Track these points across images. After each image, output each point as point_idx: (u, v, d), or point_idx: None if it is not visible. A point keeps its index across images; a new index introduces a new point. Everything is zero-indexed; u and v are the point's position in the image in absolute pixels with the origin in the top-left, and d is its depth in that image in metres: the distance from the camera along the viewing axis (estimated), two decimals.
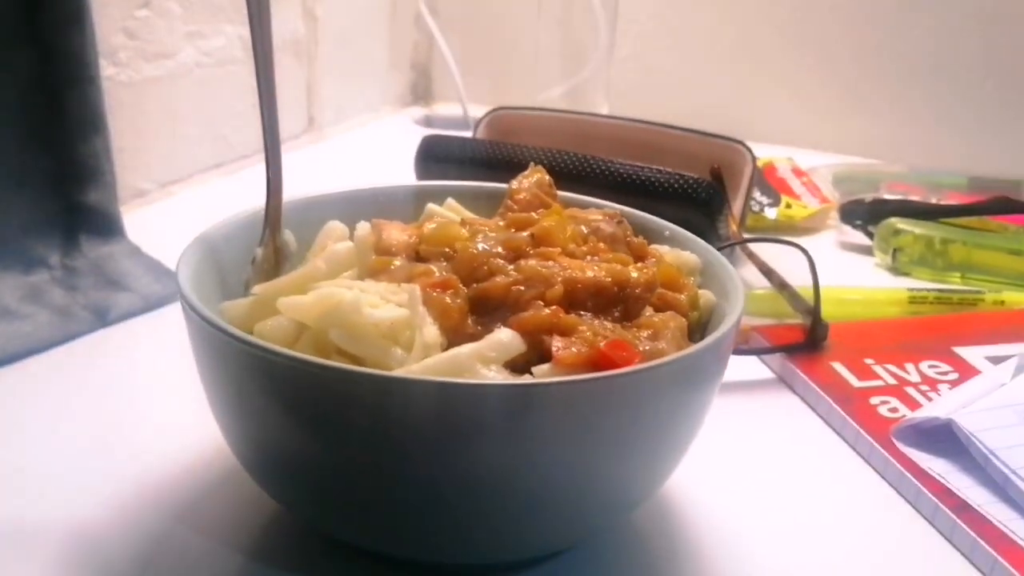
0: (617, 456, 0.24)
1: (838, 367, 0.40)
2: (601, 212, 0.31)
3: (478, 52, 0.79)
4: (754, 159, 0.53)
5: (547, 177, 0.32)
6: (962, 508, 0.31)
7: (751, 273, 0.46)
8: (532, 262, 0.26)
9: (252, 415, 0.25)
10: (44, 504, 0.30)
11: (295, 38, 0.69)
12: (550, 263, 0.26)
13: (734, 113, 0.78)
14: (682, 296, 0.28)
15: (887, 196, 0.60)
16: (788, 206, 0.60)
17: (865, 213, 0.57)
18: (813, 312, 0.41)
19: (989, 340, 0.43)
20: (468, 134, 0.59)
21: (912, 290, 0.48)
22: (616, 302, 0.26)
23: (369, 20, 0.79)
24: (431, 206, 0.33)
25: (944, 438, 0.34)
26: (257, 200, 0.31)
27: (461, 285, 0.26)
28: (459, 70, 0.77)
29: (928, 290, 0.48)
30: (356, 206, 0.33)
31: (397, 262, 0.28)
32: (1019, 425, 0.34)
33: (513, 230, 0.28)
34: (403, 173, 0.55)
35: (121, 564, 0.27)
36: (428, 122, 0.81)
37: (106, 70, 0.51)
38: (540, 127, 0.58)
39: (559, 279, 0.26)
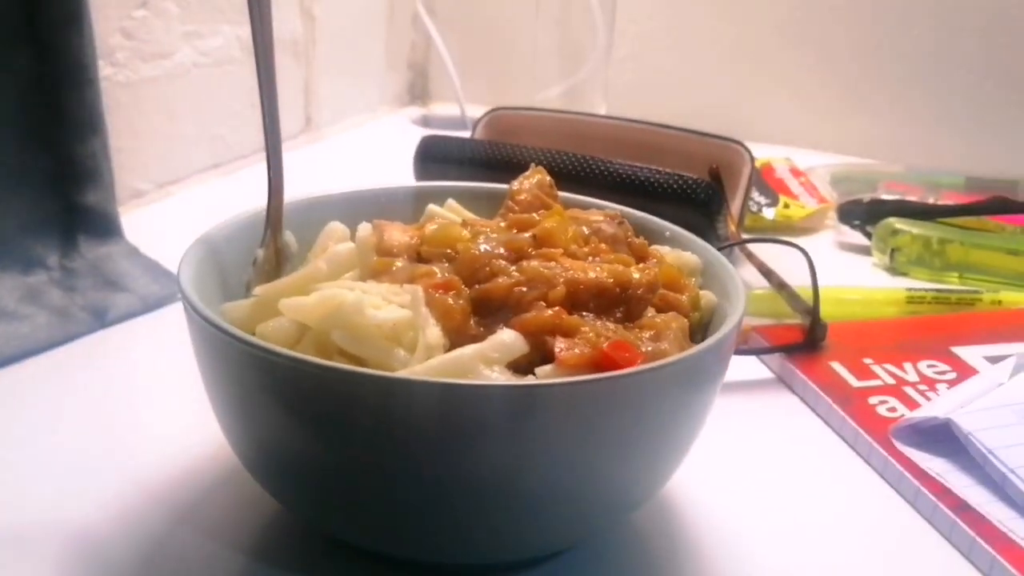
0: (619, 456, 0.24)
1: (837, 367, 0.40)
2: (602, 213, 0.31)
3: (476, 52, 0.79)
4: (752, 159, 0.54)
5: (548, 178, 0.32)
6: (961, 507, 0.31)
7: (750, 273, 0.46)
8: (534, 263, 0.26)
9: (254, 416, 0.25)
10: (44, 506, 0.30)
11: (293, 38, 0.69)
12: (552, 264, 0.26)
13: (732, 113, 0.78)
14: (683, 297, 0.28)
15: (885, 196, 0.60)
16: (786, 206, 0.60)
17: (863, 213, 0.57)
18: (812, 312, 0.41)
19: (987, 340, 0.44)
20: (466, 134, 0.59)
21: (910, 290, 0.48)
22: (618, 303, 0.26)
23: (367, 20, 0.79)
24: (432, 207, 0.33)
25: (943, 437, 0.34)
26: (256, 201, 0.31)
27: (463, 286, 0.26)
28: (457, 70, 0.77)
29: (926, 290, 0.48)
30: (356, 207, 0.33)
31: (399, 263, 0.28)
32: (1017, 424, 0.34)
33: (514, 231, 0.28)
34: (401, 173, 0.55)
35: (122, 565, 0.27)
36: (425, 122, 0.81)
37: (103, 70, 0.51)
38: (539, 127, 0.58)
39: (561, 280, 0.26)
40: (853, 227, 0.58)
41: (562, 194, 0.33)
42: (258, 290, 0.28)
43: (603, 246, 0.29)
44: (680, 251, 0.31)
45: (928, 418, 0.35)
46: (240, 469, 0.28)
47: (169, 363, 0.38)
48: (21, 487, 0.31)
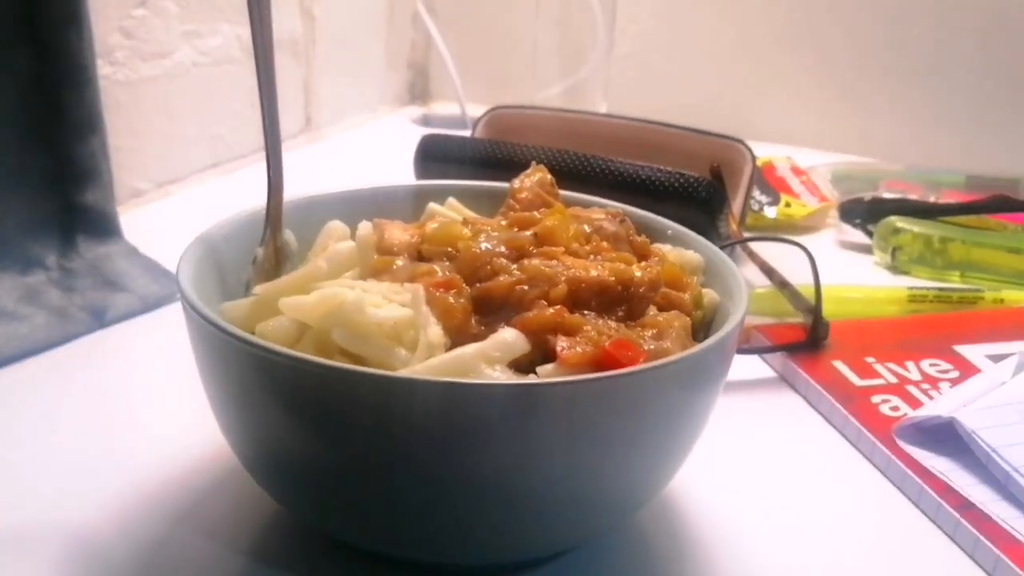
0: (622, 456, 0.24)
1: (839, 366, 0.40)
2: (603, 211, 0.31)
3: (476, 51, 0.79)
4: (754, 158, 0.53)
5: (549, 176, 0.32)
6: (964, 506, 0.31)
7: (751, 272, 0.46)
8: (535, 261, 0.26)
9: (254, 416, 0.25)
10: (43, 506, 0.30)
11: (293, 37, 0.69)
12: (553, 262, 0.26)
13: (732, 112, 0.78)
14: (685, 295, 0.28)
15: (886, 195, 0.60)
16: (788, 205, 0.60)
17: (864, 212, 0.57)
18: (814, 311, 0.41)
19: (989, 338, 0.44)
20: (466, 133, 0.59)
21: (912, 289, 0.48)
22: (620, 301, 0.26)
23: (367, 20, 0.78)
24: (432, 205, 0.33)
25: (946, 436, 0.34)
26: (255, 200, 0.31)
27: (464, 285, 0.26)
28: (457, 69, 0.77)
29: (928, 289, 0.48)
30: (356, 206, 0.33)
31: (399, 262, 0.28)
32: (1020, 423, 0.34)
33: (516, 229, 0.28)
34: (401, 172, 0.54)
35: (121, 566, 0.27)
36: (426, 121, 0.81)
37: (102, 69, 0.51)
38: (539, 126, 0.58)
39: (563, 278, 0.26)
40: (854, 226, 0.58)
41: (563, 192, 0.33)
42: (258, 289, 0.28)
43: (605, 244, 0.28)
44: (682, 249, 0.31)
45: (931, 417, 0.34)
46: (239, 469, 0.28)
47: (168, 363, 0.38)
48: (20, 487, 0.31)
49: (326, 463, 0.24)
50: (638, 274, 0.26)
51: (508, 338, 0.24)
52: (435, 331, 0.25)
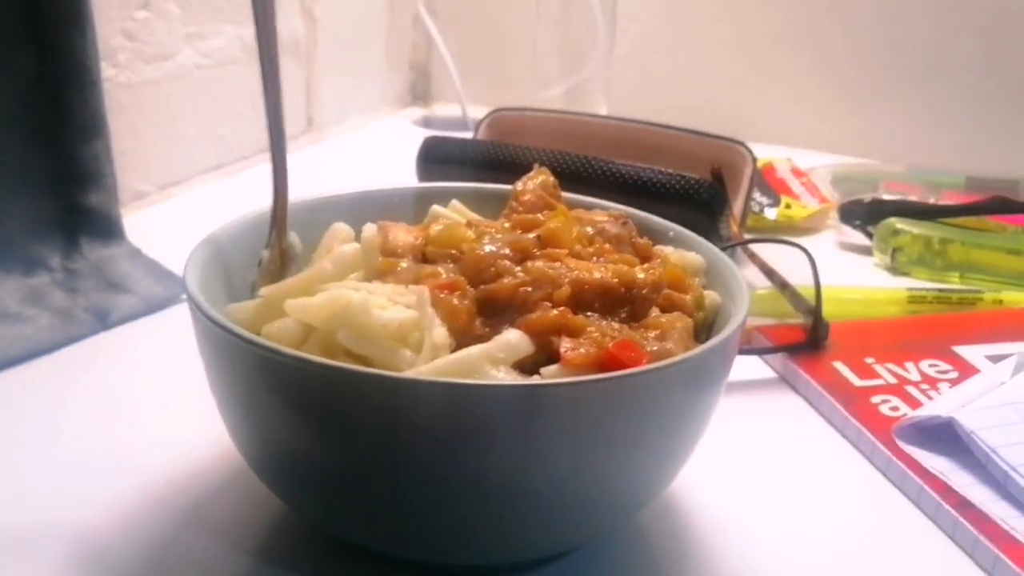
0: (625, 456, 0.24)
1: (839, 366, 0.40)
2: (606, 213, 0.31)
3: (477, 52, 0.79)
4: (754, 159, 0.54)
5: (551, 178, 0.32)
6: (964, 506, 0.31)
7: (752, 273, 0.46)
8: (539, 263, 0.26)
9: (261, 417, 0.25)
10: (47, 508, 0.30)
11: (294, 38, 0.69)
12: (557, 264, 0.26)
13: (732, 113, 0.78)
14: (688, 297, 0.28)
15: (886, 196, 0.61)
16: (788, 206, 0.60)
17: (864, 213, 0.58)
18: (814, 312, 0.41)
19: (988, 339, 0.44)
20: (467, 135, 0.59)
21: (911, 290, 0.49)
22: (623, 303, 0.26)
23: (368, 21, 0.79)
24: (436, 208, 0.33)
25: (945, 436, 0.34)
26: (258, 202, 0.31)
27: (468, 286, 0.26)
28: (458, 71, 0.77)
29: (927, 290, 0.49)
30: (360, 208, 0.33)
31: (404, 264, 0.28)
32: (1019, 423, 0.34)
33: (519, 231, 0.28)
34: (403, 174, 0.55)
35: (127, 567, 0.27)
36: (427, 123, 0.81)
37: (105, 71, 0.51)
38: (541, 128, 0.58)
39: (566, 280, 0.26)
40: (854, 227, 0.58)
41: (566, 195, 0.33)
42: (263, 291, 0.28)
43: (607, 246, 0.29)
44: (684, 251, 0.31)
45: (930, 417, 0.35)
46: (244, 470, 0.28)
47: (172, 364, 0.38)
48: (25, 488, 0.31)
49: (332, 464, 0.24)
50: (641, 276, 0.27)
51: (512, 339, 0.25)
52: (440, 332, 0.25)
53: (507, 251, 0.27)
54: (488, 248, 0.27)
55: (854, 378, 0.40)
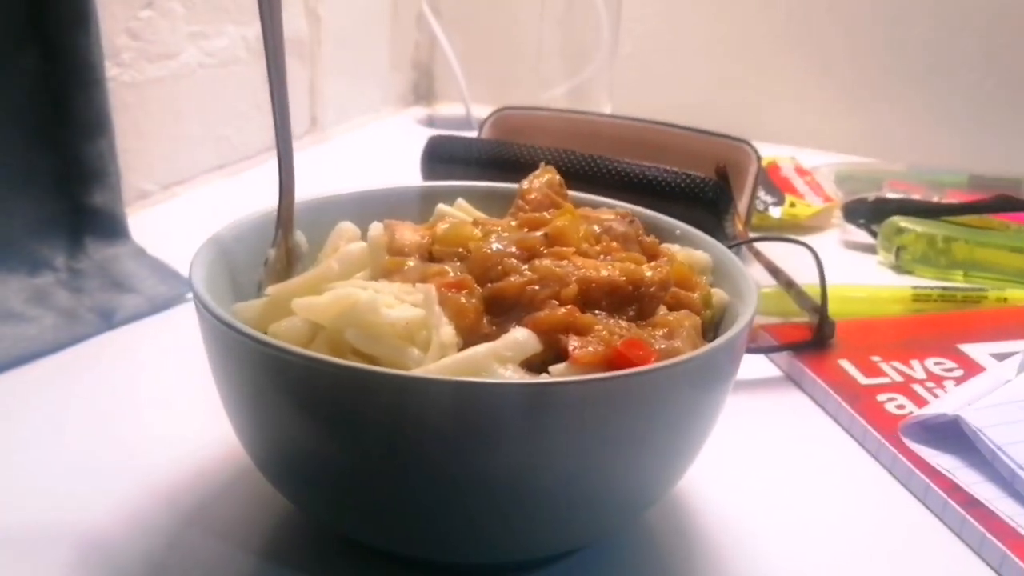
0: (633, 455, 0.24)
1: (845, 365, 0.40)
2: (613, 211, 0.31)
3: (480, 52, 0.79)
4: (759, 158, 0.54)
5: (558, 177, 0.32)
6: (971, 503, 0.31)
7: (757, 272, 0.46)
8: (546, 262, 0.26)
9: (268, 416, 0.25)
10: (52, 508, 0.30)
11: (298, 38, 0.69)
12: (564, 263, 0.26)
13: (736, 112, 0.78)
14: (695, 295, 0.28)
15: (890, 195, 0.61)
16: (792, 205, 0.60)
17: (868, 212, 0.58)
18: (820, 310, 0.41)
19: (993, 337, 0.44)
20: (471, 134, 0.59)
21: (916, 288, 0.49)
22: (630, 301, 0.26)
23: (371, 20, 0.79)
24: (442, 206, 0.33)
25: (951, 434, 0.34)
26: (262, 201, 0.31)
27: (476, 285, 0.26)
28: (461, 70, 0.77)
29: (932, 288, 0.49)
30: (366, 207, 0.33)
31: (410, 263, 0.28)
32: None
33: (526, 230, 0.28)
34: (407, 173, 0.55)
35: (132, 567, 0.27)
36: (430, 122, 0.81)
37: (109, 71, 0.51)
38: (545, 127, 0.58)
39: (573, 278, 0.26)
40: (858, 226, 0.58)
41: (572, 193, 0.33)
42: (270, 290, 0.28)
43: (614, 245, 0.29)
44: (691, 249, 0.31)
45: (937, 415, 0.35)
46: (249, 469, 0.28)
47: (177, 364, 0.38)
48: (29, 489, 0.31)
49: (339, 463, 0.24)
50: (648, 274, 0.27)
51: (520, 338, 0.25)
52: (447, 331, 0.25)
53: (514, 249, 0.27)
54: (495, 246, 0.27)
55: (860, 376, 0.39)
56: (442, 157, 0.52)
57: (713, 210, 0.47)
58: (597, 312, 0.26)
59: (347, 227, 0.31)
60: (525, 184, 0.32)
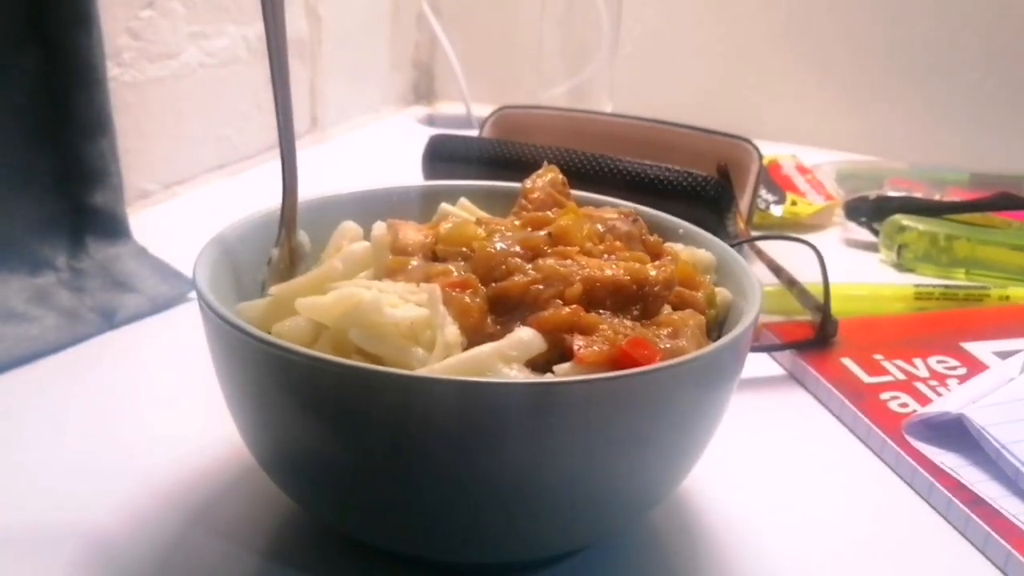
0: (638, 454, 0.24)
1: (848, 363, 0.40)
2: (616, 210, 0.31)
3: (480, 51, 0.79)
4: (760, 157, 0.54)
5: (560, 176, 0.32)
6: (975, 502, 0.31)
7: (760, 270, 0.46)
8: (550, 261, 0.26)
9: (272, 416, 0.25)
10: (55, 509, 0.30)
11: (298, 38, 0.69)
12: (568, 262, 0.26)
13: (736, 110, 0.78)
14: (699, 294, 0.28)
15: (891, 193, 0.61)
16: (794, 203, 0.60)
17: (870, 210, 0.58)
18: (823, 309, 0.41)
19: (996, 335, 0.44)
20: (471, 133, 0.59)
21: (918, 286, 0.48)
22: (635, 300, 0.26)
23: (372, 19, 0.79)
24: (445, 206, 0.33)
25: (955, 433, 0.34)
26: (262, 201, 0.31)
27: (480, 284, 0.26)
28: (461, 69, 0.77)
29: (934, 286, 0.49)
30: (368, 206, 0.33)
31: (414, 262, 0.28)
32: None
33: (529, 229, 0.28)
34: (408, 172, 0.55)
35: (135, 568, 0.27)
36: (431, 121, 0.81)
37: (110, 71, 0.51)
38: (546, 126, 0.58)
39: (578, 278, 0.26)
40: (860, 224, 0.58)
41: (575, 192, 0.33)
42: (274, 289, 0.28)
43: (618, 244, 0.29)
44: (694, 248, 0.31)
45: (940, 413, 0.35)
46: (253, 469, 0.28)
47: (179, 364, 0.38)
48: (31, 489, 0.31)
49: (343, 462, 0.24)
50: (653, 273, 0.26)
51: (525, 337, 0.25)
52: (452, 331, 0.25)
53: (518, 249, 0.27)
54: (499, 246, 0.27)
55: (863, 375, 0.39)
56: (444, 156, 0.52)
57: (715, 209, 0.47)
58: (601, 311, 0.26)
59: (350, 226, 0.31)
60: (528, 183, 0.32)
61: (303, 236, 0.31)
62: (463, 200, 0.33)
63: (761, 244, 0.47)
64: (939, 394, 0.38)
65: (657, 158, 0.49)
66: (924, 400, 0.37)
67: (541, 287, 0.26)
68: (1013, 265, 0.53)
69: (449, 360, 0.24)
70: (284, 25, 0.28)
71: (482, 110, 0.64)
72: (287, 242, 0.30)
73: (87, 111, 0.44)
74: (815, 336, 0.41)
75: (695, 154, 0.53)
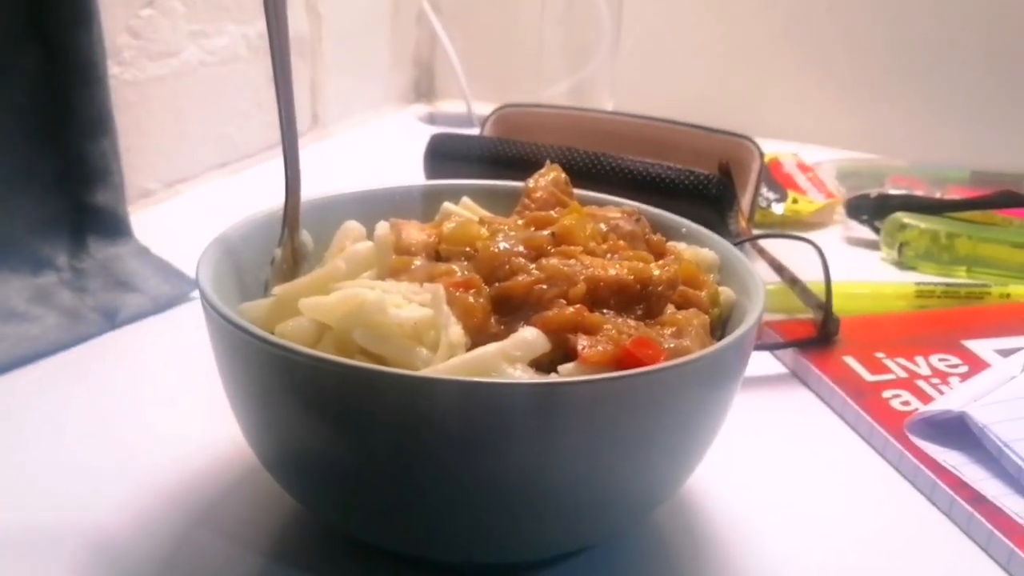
0: (642, 454, 0.24)
1: (850, 361, 0.40)
2: (619, 210, 0.31)
3: (481, 49, 0.79)
4: (761, 155, 0.54)
5: (563, 175, 0.32)
6: (977, 500, 0.31)
7: (761, 269, 0.46)
8: (554, 260, 0.26)
9: (275, 416, 0.25)
10: (56, 509, 0.30)
11: (299, 36, 0.69)
12: (572, 262, 0.26)
13: (737, 108, 0.78)
14: (702, 293, 0.28)
15: (892, 191, 0.61)
16: (795, 201, 0.60)
17: (871, 208, 0.58)
18: (825, 307, 0.41)
19: (997, 333, 0.44)
20: (473, 131, 0.59)
21: (919, 284, 0.48)
22: (638, 300, 0.26)
23: (372, 17, 0.78)
24: (447, 205, 0.33)
25: (957, 431, 0.34)
26: (263, 199, 0.31)
27: (483, 284, 0.26)
28: (462, 67, 0.77)
29: (935, 284, 0.49)
30: (371, 206, 0.33)
31: (417, 262, 0.28)
32: None
33: (533, 229, 0.28)
34: (409, 171, 0.55)
35: (139, 568, 0.27)
36: (432, 119, 0.81)
37: (111, 69, 0.50)
38: (548, 124, 0.58)
39: (581, 277, 0.26)
40: (861, 222, 0.58)
41: (578, 191, 0.33)
42: (277, 289, 0.28)
43: (621, 243, 0.29)
44: (697, 247, 0.31)
45: (942, 411, 0.35)
46: (256, 469, 0.28)
47: (181, 363, 0.38)
48: (32, 490, 0.31)
49: (347, 463, 0.24)
50: (656, 272, 0.26)
51: (529, 337, 0.25)
52: (456, 331, 0.25)
53: (521, 248, 0.27)
54: (502, 245, 0.27)
55: (865, 373, 0.39)
56: (445, 155, 0.52)
57: (716, 207, 0.46)
58: (605, 311, 0.26)
59: (353, 226, 0.31)
60: (531, 183, 0.32)
61: (306, 236, 0.31)
62: (466, 199, 0.33)
63: (763, 242, 0.47)
64: (941, 392, 0.38)
65: (658, 156, 0.49)
66: (926, 398, 0.38)
67: (545, 287, 0.26)
68: (1014, 263, 0.53)
69: (453, 360, 0.24)
70: (286, 23, 0.28)
71: (483, 108, 0.64)
72: (290, 242, 0.30)
73: (88, 110, 0.44)
74: (817, 334, 0.41)
75: (696, 152, 0.53)
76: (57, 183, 0.44)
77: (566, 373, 0.24)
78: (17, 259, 0.42)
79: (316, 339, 0.26)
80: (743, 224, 0.49)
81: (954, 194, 0.62)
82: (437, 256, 0.28)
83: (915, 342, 0.42)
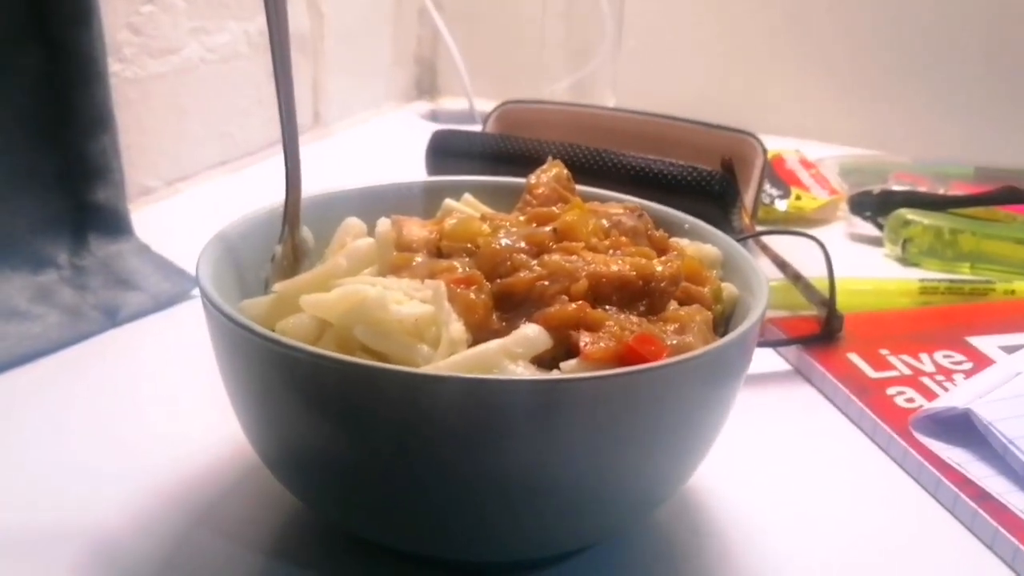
0: (645, 451, 0.24)
1: (854, 358, 0.40)
2: (621, 206, 0.31)
3: (483, 46, 0.78)
4: (764, 151, 0.53)
5: (565, 171, 0.32)
6: (982, 497, 0.31)
7: (764, 265, 0.46)
8: (556, 257, 0.26)
9: (276, 414, 0.25)
10: (57, 508, 0.30)
11: (301, 33, 0.69)
12: (574, 258, 0.26)
13: (739, 105, 0.78)
14: (705, 289, 0.28)
15: (895, 187, 0.60)
16: (798, 198, 0.59)
17: (874, 204, 0.57)
18: (828, 303, 0.41)
19: (1002, 329, 0.44)
20: (475, 128, 0.58)
21: (923, 280, 0.48)
22: (641, 296, 0.26)
23: (374, 15, 0.78)
24: (449, 201, 0.33)
25: (962, 428, 0.34)
26: (264, 196, 0.31)
27: (485, 281, 0.26)
28: (464, 64, 0.77)
29: (939, 280, 0.48)
30: (372, 202, 0.33)
31: (418, 258, 0.28)
32: None
33: (534, 225, 0.28)
34: (411, 168, 0.54)
35: (139, 567, 0.27)
36: (434, 116, 0.81)
37: (111, 66, 0.50)
38: (550, 121, 0.58)
39: (583, 274, 0.26)
40: (864, 218, 0.58)
41: (580, 187, 0.33)
42: (277, 287, 0.28)
43: (624, 239, 0.28)
44: (700, 243, 0.31)
45: (947, 408, 0.35)
46: (257, 467, 0.28)
47: (182, 361, 0.38)
48: (35, 488, 0.30)
49: (348, 460, 0.24)
50: (659, 268, 0.26)
51: (530, 334, 0.24)
52: (457, 327, 0.25)
53: (523, 245, 0.27)
54: (504, 242, 0.27)
55: (869, 370, 0.39)
56: (447, 152, 0.52)
57: (719, 203, 0.46)
58: (607, 307, 0.26)
59: (354, 223, 0.31)
60: (533, 179, 0.32)
61: (307, 232, 0.31)
62: (467, 196, 0.33)
63: (766, 239, 0.47)
64: (945, 389, 0.38)
65: (661, 153, 0.49)
66: (930, 395, 0.37)
67: (546, 283, 0.26)
68: (1018, 259, 0.53)
69: (454, 357, 0.24)
70: (286, 20, 0.28)
71: (485, 105, 0.64)
72: (291, 239, 0.30)
73: (88, 108, 0.44)
74: (820, 331, 0.41)
75: (699, 149, 0.53)
76: (58, 181, 0.44)
77: (568, 370, 0.24)
78: (18, 257, 0.42)
79: (317, 336, 0.26)
80: (746, 220, 0.49)
81: (957, 190, 0.62)
82: (438, 252, 0.28)
83: (919, 339, 0.42)
